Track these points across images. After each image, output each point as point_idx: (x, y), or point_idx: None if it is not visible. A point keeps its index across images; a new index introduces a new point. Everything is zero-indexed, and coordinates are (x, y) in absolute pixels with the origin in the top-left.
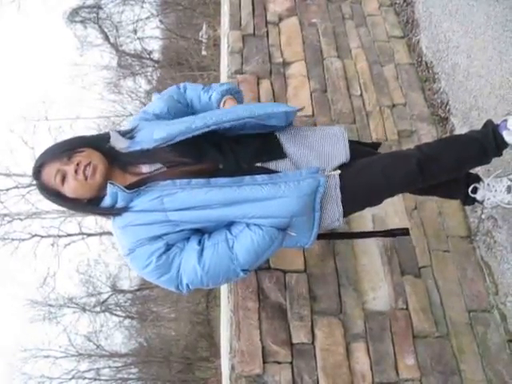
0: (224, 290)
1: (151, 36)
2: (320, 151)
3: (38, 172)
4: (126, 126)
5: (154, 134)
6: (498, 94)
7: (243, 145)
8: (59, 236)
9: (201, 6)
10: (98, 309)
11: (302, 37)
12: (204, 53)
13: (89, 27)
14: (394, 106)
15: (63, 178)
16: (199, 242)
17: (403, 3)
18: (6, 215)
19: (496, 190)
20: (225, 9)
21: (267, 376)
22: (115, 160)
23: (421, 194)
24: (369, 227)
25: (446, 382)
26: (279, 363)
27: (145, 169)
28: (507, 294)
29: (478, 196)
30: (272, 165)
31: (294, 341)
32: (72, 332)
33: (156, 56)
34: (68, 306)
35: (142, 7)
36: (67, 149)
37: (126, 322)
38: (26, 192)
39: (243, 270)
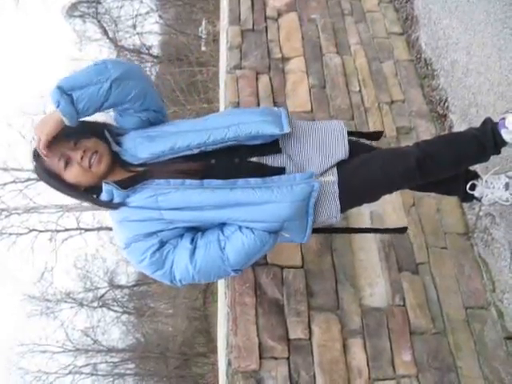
0: (221, 285)
1: (150, 31)
2: (319, 147)
3: (38, 154)
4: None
5: (137, 152)
6: (497, 90)
7: None
8: (57, 231)
9: (200, 1)
10: (95, 304)
11: (302, 32)
12: (203, 48)
13: (88, 22)
14: (392, 102)
15: (67, 163)
16: (192, 241)
17: (403, 0)
18: (3, 210)
19: (494, 187)
20: (224, 4)
21: (264, 372)
22: (115, 156)
23: (419, 190)
24: (367, 224)
25: (443, 379)
26: (276, 359)
27: (141, 168)
28: (504, 291)
29: (476, 193)
30: (268, 160)
31: (291, 336)
32: (69, 327)
33: (155, 51)
34: (65, 301)
35: (142, 2)
36: (76, 135)
37: (124, 317)
38: (24, 187)
39: (234, 270)
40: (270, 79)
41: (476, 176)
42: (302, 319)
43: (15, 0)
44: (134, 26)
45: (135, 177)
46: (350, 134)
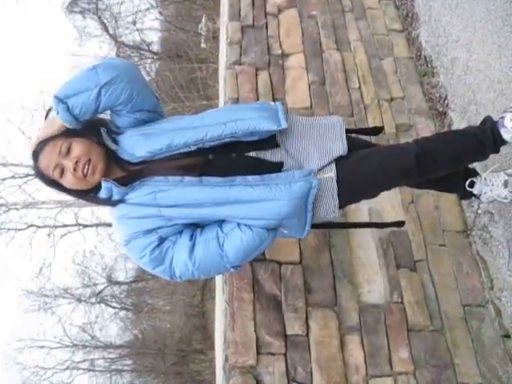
0: (219, 280)
1: (150, 28)
2: (317, 143)
3: (36, 156)
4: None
5: (135, 151)
6: (497, 88)
7: None
8: (55, 226)
9: None
10: (93, 300)
11: (302, 29)
12: (203, 45)
13: (88, 18)
14: (392, 99)
15: (62, 172)
16: (191, 237)
17: None
18: (2, 205)
19: (493, 185)
20: (224, 0)
21: (261, 367)
22: (110, 155)
23: (418, 187)
24: (365, 220)
25: (440, 376)
26: (273, 355)
27: (138, 166)
28: (502, 289)
29: (475, 190)
30: (266, 155)
31: (289, 332)
32: (67, 323)
33: (155, 48)
34: (63, 297)
35: None
36: (67, 136)
37: (121, 313)
38: (23, 182)
39: (233, 267)
40: (270, 75)
41: (475, 173)
42: (299, 315)
43: None
44: (134, 23)
45: (134, 174)
46: (348, 131)
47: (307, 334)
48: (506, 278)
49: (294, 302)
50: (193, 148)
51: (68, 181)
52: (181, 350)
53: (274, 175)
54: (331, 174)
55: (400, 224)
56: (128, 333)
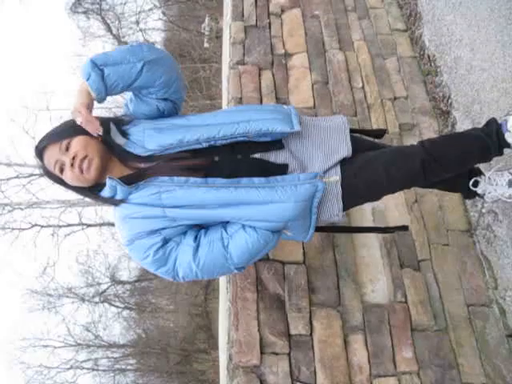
0: (223, 280)
1: (153, 28)
2: (322, 144)
3: (40, 155)
4: (122, 111)
5: (145, 144)
6: (501, 87)
7: None
8: (59, 226)
9: None
10: (96, 299)
11: (305, 28)
12: (206, 45)
13: (91, 18)
14: (395, 98)
15: (61, 169)
16: (195, 239)
17: None
18: (6, 205)
19: (497, 184)
20: (227, 0)
21: (264, 367)
22: (114, 151)
23: (421, 186)
24: (368, 220)
25: (444, 376)
26: (277, 354)
27: (143, 164)
28: (507, 289)
29: (479, 190)
30: (271, 156)
31: (292, 332)
32: (71, 322)
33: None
34: (67, 296)
35: None
36: (68, 134)
37: (125, 312)
38: (27, 182)
39: (237, 268)
40: (273, 75)
41: (479, 173)
42: (303, 315)
43: None
44: (138, 23)
45: (138, 173)
46: (352, 131)
47: (311, 334)
48: (510, 277)
49: (297, 301)
50: (204, 145)
51: (67, 177)
52: (184, 350)
53: (279, 177)
54: (336, 177)
55: (404, 228)
56: (131, 332)
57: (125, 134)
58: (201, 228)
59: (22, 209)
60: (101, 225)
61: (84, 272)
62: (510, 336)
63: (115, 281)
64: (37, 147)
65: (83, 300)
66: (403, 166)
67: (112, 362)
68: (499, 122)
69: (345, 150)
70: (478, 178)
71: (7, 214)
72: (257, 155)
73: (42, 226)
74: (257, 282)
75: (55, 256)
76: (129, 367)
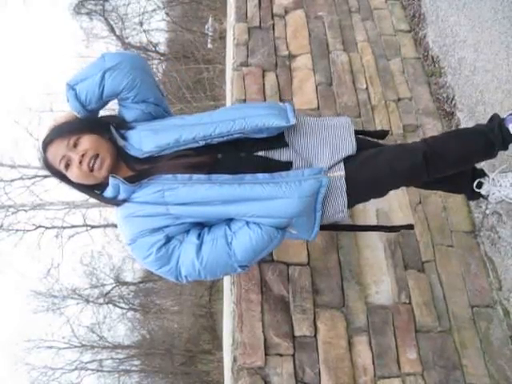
0: (227, 282)
1: (157, 28)
2: (327, 142)
3: (45, 148)
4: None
5: (142, 145)
6: (505, 88)
7: None
8: (63, 227)
9: None
10: (101, 300)
11: (308, 30)
12: (210, 46)
13: (95, 19)
14: (399, 100)
15: (67, 165)
16: (198, 236)
17: None
18: (10, 206)
19: (501, 185)
20: (231, 1)
21: (269, 368)
22: (119, 153)
23: (426, 187)
24: (373, 221)
25: (448, 377)
26: (281, 356)
27: (145, 166)
28: (511, 290)
29: (483, 191)
30: (275, 154)
31: (297, 333)
32: (75, 323)
33: (162, 49)
34: (71, 298)
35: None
36: (77, 131)
37: (129, 314)
38: (31, 183)
39: (241, 266)
40: (277, 76)
41: (483, 174)
42: (307, 316)
43: None
44: (141, 24)
45: (141, 173)
46: (355, 132)
47: (315, 335)
48: None
49: (301, 303)
50: (201, 143)
51: (73, 174)
52: (189, 351)
53: (283, 173)
54: (340, 172)
55: (410, 227)
56: (136, 333)
57: (123, 137)
58: (204, 226)
59: (26, 210)
60: (105, 226)
61: (88, 273)
62: None
63: (120, 282)
64: (43, 140)
65: (88, 301)
66: (406, 160)
67: (117, 363)
68: (503, 116)
69: (349, 147)
70: (482, 180)
71: (11, 215)
72: (260, 153)
73: (46, 228)
74: (261, 284)
75: (59, 257)
76: (133, 368)
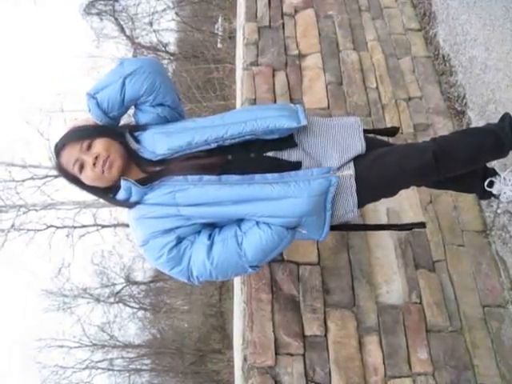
0: (237, 281)
1: (167, 28)
2: (336, 142)
3: (58, 152)
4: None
5: (155, 148)
6: None
7: None
8: (74, 227)
9: None
10: (111, 300)
11: (318, 29)
12: (219, 45)
13: (105, 19)
14: (410, 99)
15: (81, 167)
16: (209, 237)
17: None
18: (21, 206)
19: None
20: (241, 0)
21: (279, 368)
22: (132, 156)
23: (436, 187)
24: (383, 221)
25: (459, 377)
26: (291, 355)
27: (158, 168)
28: None
29: (494, 190)
30: (284, 154)
31: (307, 333)
32: (86, 322)
33: (171, 48)
34: (82, 297)
35: (158, 0)
36: (89, 135)
37: (140, 313)
38: (42, 183)
39: (251, 267)
40: (287, 76)
41: (494, 173)
42: (317, 316)
43: None
44: (151, 24)
45: (153, 175)
46: (365, 131)
47: (325, 335)
48: None
49: (312, 302)
50: (213, 145)
51: (87, 176)
52: (199, 350)
53: (292, 173)
54: (350, 171)
55: (421, 225)
56: (146, 332)
57: (137, 141)
58: (215, 227)
59: (37, 210)
60: (115, 226)
61: (99, 273)
62: None
63: (130, 281)
64: (56, 144)
65: (98, 300)
66: (416, 159)
67: (127, 362)
68: None
69: (358, 146)
70: (493, 179)
71: (22, 215)
72: (270, 153)
73: (57, 227)
74: (271, 283)
75: (70, 257)
76: (144, 367)
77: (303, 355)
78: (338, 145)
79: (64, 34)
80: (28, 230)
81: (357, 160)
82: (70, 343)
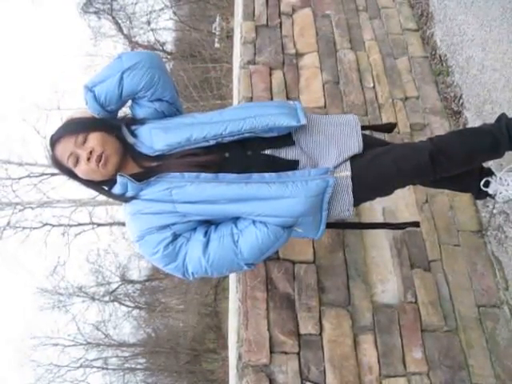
0: (232, 279)
1: (164, 27)
2: (333, 141)
3: (53, 145)
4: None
5: (153, 143)
6: None
7: None
8: (70, 225)
9: None
10: (106, 298)
11: (316, 28)
12: (217, 45)
13: (102, 18)
14: (406, 98)
15: (76, 161)
16: (205, 234)
17: None
18: (17, 204)
19: (508, 185)
20: None
21: (274, 366)
22: (128, 150)
23: (432, 186)
24: (379, 220)
25: (454, 377)
26: (286, 353)
27: (155, 163)
28: None
29: (490, 190)
30: (281, 153)
31: (302, 331)
32: (81, 321)
33: (169, 48)
34: (77, 295)
35: None
36: (84, 129)
37: (135, 312)
38: (38, 181)
39: (247, 264)
40: (284, 75)
41: (490, 173)
42: (312, 314)
43: None
44: (149, 23)
45: (149, 170)
46: (362, 128)
47: (320, 333)
48: None
49: (307, 301)
50: (211, 142)
51: (81, 170)
52: (194, 349)
53: (290, 173)
54: (347, 172)
55: (415, 224)
56: (141, 331)
57: (134, 135)
58: (211, 224)
59: (32, 208)
60: (111, 224)
61: (94, 271)
62: None
63: (125, 280)
64: (52, 137)
65: (93, 299)
66: (412, 158)
67: (122, 361)
68: (511, 116)
69: (356, 146)
70: (489, 179)
71: (18, 213)
72: (267, 151)
73: (53, 225)
74: (267, 282)
75: (66, 255)
76: (138, 366)
77: (298, 354)
78: (335, 144)
79: (62, 33)
80: (24, 228)
81: (353, 159)
82: (65, 341)
